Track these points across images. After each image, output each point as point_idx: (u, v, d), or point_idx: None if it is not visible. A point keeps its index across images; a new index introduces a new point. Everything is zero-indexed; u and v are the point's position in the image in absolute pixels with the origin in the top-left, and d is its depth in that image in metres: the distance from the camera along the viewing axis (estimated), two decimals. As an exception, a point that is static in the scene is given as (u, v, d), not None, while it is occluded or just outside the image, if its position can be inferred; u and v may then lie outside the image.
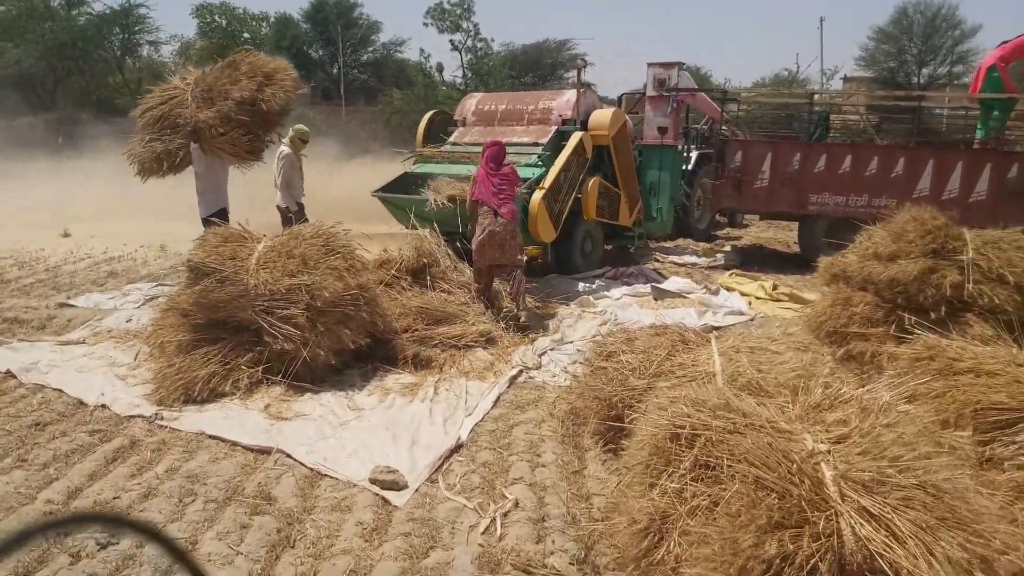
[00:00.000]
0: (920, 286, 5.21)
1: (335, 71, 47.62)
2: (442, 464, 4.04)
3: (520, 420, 4.66)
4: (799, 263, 10.54)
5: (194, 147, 7.41)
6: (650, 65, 11.09)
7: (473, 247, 6.71)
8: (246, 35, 47.82)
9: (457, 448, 4.24)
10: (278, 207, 8.67)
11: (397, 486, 3.75)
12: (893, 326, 5.31)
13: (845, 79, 47.80)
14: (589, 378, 4.41)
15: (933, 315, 5.16)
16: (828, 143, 9.78)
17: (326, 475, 3.92)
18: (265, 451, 4.19)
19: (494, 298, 6.88)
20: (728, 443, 2.95)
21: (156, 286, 8.14)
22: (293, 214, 8.37)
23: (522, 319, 6.57)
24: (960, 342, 4.39)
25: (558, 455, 4.15)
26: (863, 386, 4.91)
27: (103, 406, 4.83)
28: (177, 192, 14.35)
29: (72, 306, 7.40)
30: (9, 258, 9.77)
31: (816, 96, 11.06)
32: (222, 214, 7.62)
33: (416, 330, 5.89)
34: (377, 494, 3.71)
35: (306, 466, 4.01)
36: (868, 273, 5.48)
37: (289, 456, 4.10)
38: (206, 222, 7.23)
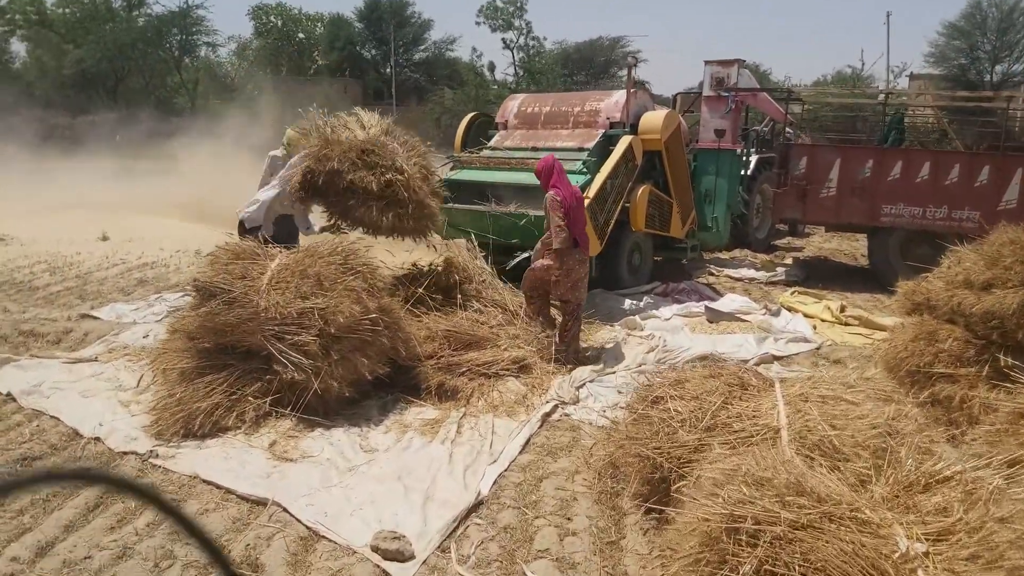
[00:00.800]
0: (1020, 321, 4.47)
1: (387, 71, 47.66)
2: (457, 527, 3.51)
3: (551, 471, 4.09)
4: (867, 279, 9.73)
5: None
6: (708, 63, 10.38)
7: (543, 275, 5.94)
8: (300, 35, 48.27)
9: (476, 506, 3.70)
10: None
11: (402, 556, 3.22)
12: (987, 367, 4.59)
13: (912, 76, 45.84)
14: (631, 427, 3.82)
15: (1035, 356, 4.43)
16: (903, 148, 8.92)
17: (324, 536, 3.42)
18: (261, 503, 3.71)
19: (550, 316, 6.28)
20: (801, 544, 2.34)
21: (182, 296, 7.80)
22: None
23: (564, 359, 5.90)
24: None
25: (592, 520, 3.57)
26: (953, 443, 4.26)
27: (97, 438, 4.44)
28: (222, 195, 14.34)
29: (94, 317, 7.10)
30: (43, 263, 9.60)
31: (888, 96, 10.15)
32: (254, 232, 7.03)
33: (442, 356, 5.36)
34: (378, 565, 3.20)
35: (303, 524, 3.51)
36: (958, 303, 4.75)
37: (286, 511, 3.62)
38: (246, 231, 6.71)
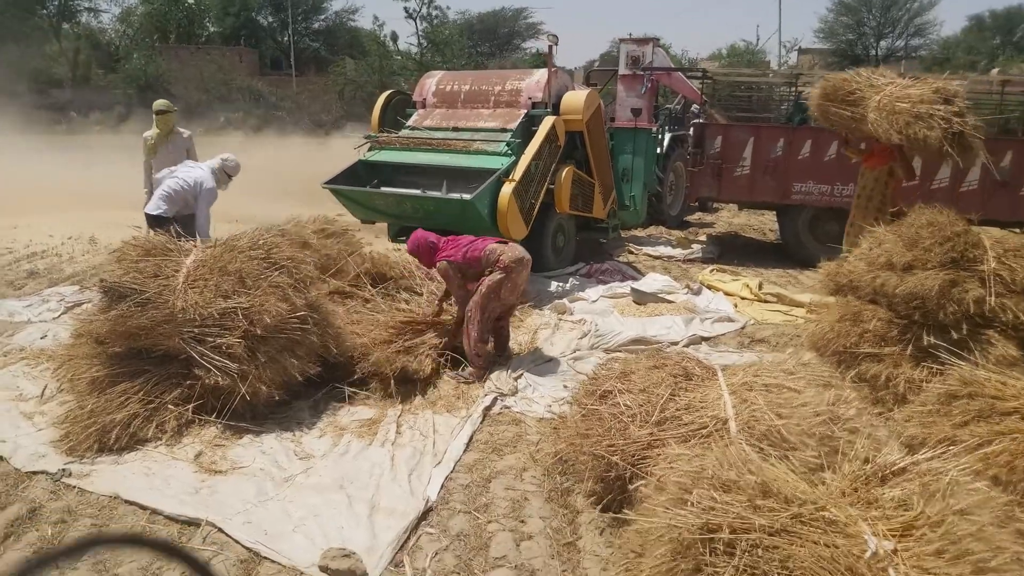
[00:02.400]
0: (941, 301, 4.65)
1: (285, 39, 45.82)
2: (408, 538, 3.37)
3: (498, 469, 4.00)
4: (778, 254, 10.06)
5: None
6: (623, 40, 10.43)
7: (500, 288, 5.23)
8: (190, 0, 45.72)
9: (426, 513, 3.56)
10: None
11: (354, 575, 3.06)
12: (910, 346, 4.78)
13: (800, 51, 47.66)
14: (581, 423, 3.76)
15: (955, 334, 4.63)
16: (812, 127, 9.17)
17: (266, 557, 3.22)
18: (193, 523, 3.46)
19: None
20: (778, 551, 2.33)
21: (79, 290, 7.25)
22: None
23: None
24: (999, 375, 3.84)
25: (546, 521, 3.50)
26: (886, 418, 4.41)
27: (0, 457, 4.04)
28: (113, 177, 13.44)
29: (-18, 317, 6.50)
30: (-84, 255, 8.74)
31: (799, 77, 10.43)
32: (163, 224, 6.43)
33: (375, 347, 5.15)
34: (329, 586, 3.03)
35: (242, 545, 3.29)
36: (880, 285, 4.91)
37: (221, 531, 3.38)
38: None
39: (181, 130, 7.86)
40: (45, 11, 38.10)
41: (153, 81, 34.03)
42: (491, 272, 5.22)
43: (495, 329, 5.49)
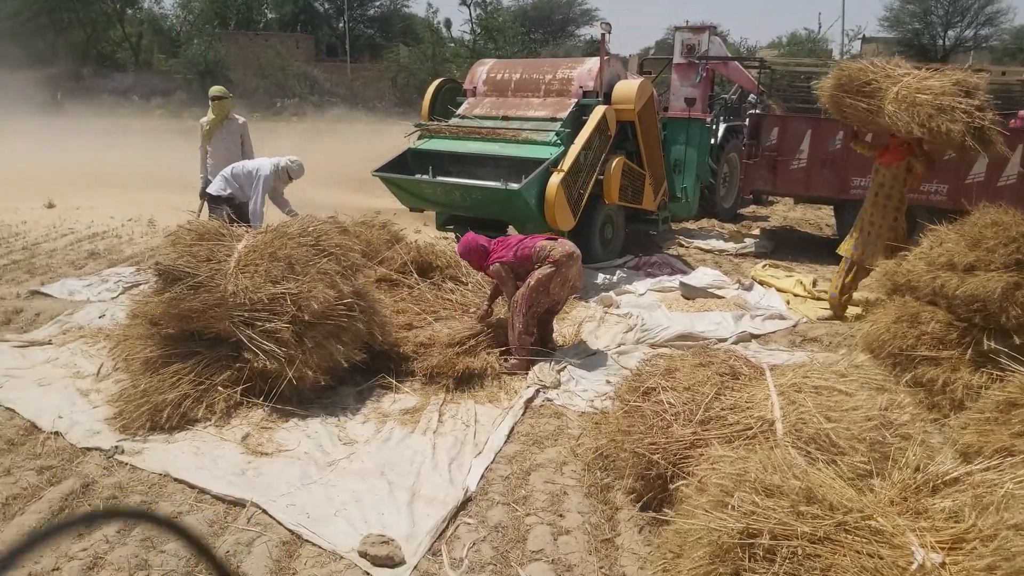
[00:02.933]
0: (1003, 304, 4.47)
1: (340, 26, 46.30)
2: (446, 527, 3.38)
3: (538, 462, 3.99)
4: (835, 250, 9.78)
5: None
6: (678, 28, 10.25)
7: (550, 284, 5.21)
8: (249, -12, 46.47)
9: (465, 503, 3.58)
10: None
11: (392, 562, 3.09)
12: (969, 349, 4.61)
13: (864, 40, 46.24)
14: (623, 419, 3.72)
15: (1017, 339, 4.45)
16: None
17: (308, 540, 3.27)
18: (239, 503, 3.54)
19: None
20: (820, 559, 2.27)
21: (136, 271, 7.46)
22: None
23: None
24: (1063, 382, 3.68)
25: (584, 516, 3.48)
26: (941, 425, 4.27)
27: (57, 432, 4.19)
28: (173, 161, 13.81)
29: (44, 295, 6.74)
30: (-15, 233, 9.10)
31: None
32: (217, 203, 6.89)
33: (419, 338, 5.20)
34: (367, 572, 3.06)
35: (285, 527, 3.35)
36: (940, 286, 4.74)
37: (266, 512, 3.45)
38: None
39: (236, 116, 8.02)
40: (110, -3, 39.14)
41: (212, 67, 34.74)
42: (541, 267, 5.21)
43: (541, 323, 5.46)
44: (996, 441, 3.53)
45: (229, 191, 6.86)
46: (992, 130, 5.54)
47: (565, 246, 5.33)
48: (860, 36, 45.99)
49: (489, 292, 5.69)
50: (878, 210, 6.43)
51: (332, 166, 13.79)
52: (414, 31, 46.23)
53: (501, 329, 5.42)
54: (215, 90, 7.93)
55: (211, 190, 7.03)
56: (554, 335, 5.68)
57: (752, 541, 2.35)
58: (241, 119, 8.07)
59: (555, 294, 5.29)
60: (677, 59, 10.12)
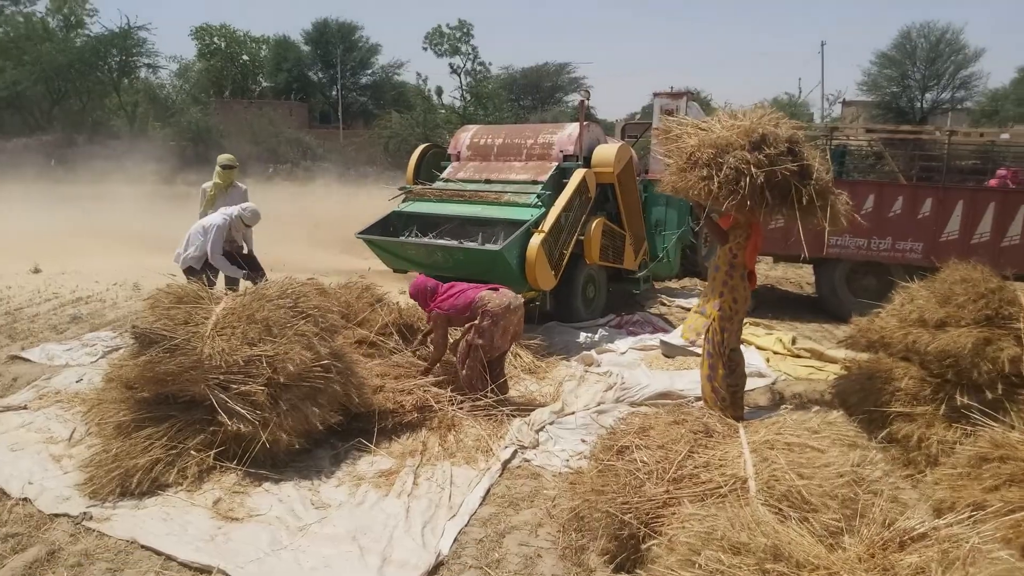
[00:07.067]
0: (975, 360, 4.51)
1: (334, 93, 47.28)
2: (417, 592, 3.33)
3: (513, 524, 3.94)
4: (815, 308, 9.88)
5: None
6: (657, 95, 10.50)
7: (489, 335, 5.42)
8: (245, 57, 47.57)
9: (437, 567, 3.52)
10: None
11: (359, 628, 3.03)
12: (943, 405, 4.62)
13: (844, 103, 47.42)
14: (597, 478, 3.70)
15: (990, 394, 4.48)
16: (848, 180, 9.08)
17: (275, 608, 3.21)
18: (205, 570, 3.47)
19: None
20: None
21: (117, 335, 7.44)
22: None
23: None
24: (1033, 437, 3.69)
25: (558, 580, 3.43)
26: (913, 484, 4.25)
27: (26, 499, 4.12)
28: (162, 225, 13.90)
29: (24, 359, 6.71)
30: (-31, 299, 9.09)
31: (834, 130, 10.36)
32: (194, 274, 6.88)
33: (396, 402, 5.19)
34: (334, 640, 3.00)
35: (252, 594, 3.29)
36: (912, 342, 4.79)
37: (232, 579, 3.39)
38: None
39: (239, 184, 8.22)
40: (106, 66, 39.91)
41: (205, 134, 35.24)
42: (480, 320, 5.45)
43: (492, 373, 5.65)
44: (968, 496, 3.52)
45: (191, 259, 7.07)
46: (806, 188, 4.60)
47: (504, 297, 5.58)
48: (841, 100, 47.19)
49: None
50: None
51: (318, 228, 13.92)
52: (406, 98, 47.22)
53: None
54: (225, 158, 8.13)
55: (182, 266, 7.18)
56: (516, 391, 5.93)
57: (716, 601, 2.32)
58: (243, 186, 8.29)
59: (497, 346, 5.54)
60: (656, 124, 10.35)
